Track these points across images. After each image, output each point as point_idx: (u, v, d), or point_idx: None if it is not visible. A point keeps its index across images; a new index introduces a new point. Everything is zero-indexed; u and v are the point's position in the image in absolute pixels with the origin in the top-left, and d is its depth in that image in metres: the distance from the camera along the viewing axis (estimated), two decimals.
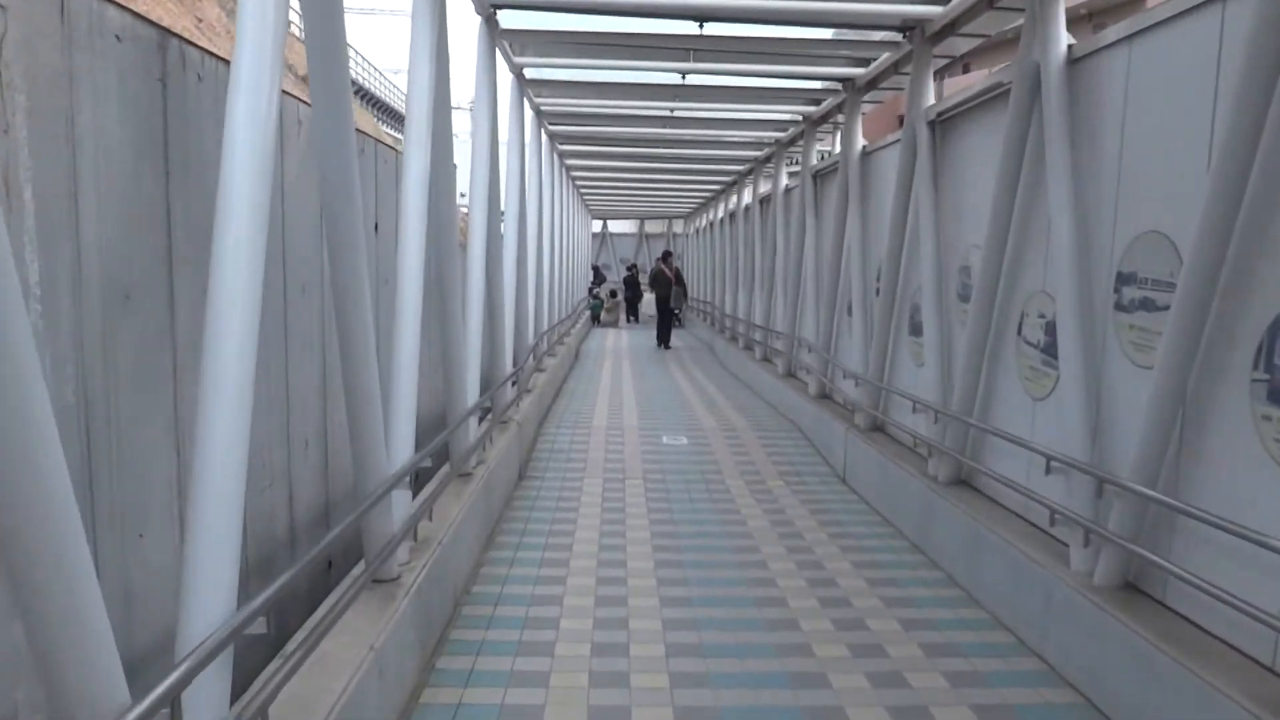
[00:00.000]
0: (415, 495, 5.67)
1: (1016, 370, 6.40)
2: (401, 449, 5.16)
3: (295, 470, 5.22)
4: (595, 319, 28.96)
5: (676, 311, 23.30)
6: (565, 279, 18.17)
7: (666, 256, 24.58)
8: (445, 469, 6.68)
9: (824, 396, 11.17)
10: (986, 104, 7.09)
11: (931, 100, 8.18)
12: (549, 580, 6.17)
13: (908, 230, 8.50)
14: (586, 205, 28.49)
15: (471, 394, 7.36)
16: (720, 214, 22.34)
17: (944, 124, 7.86)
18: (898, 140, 8.70)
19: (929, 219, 7.75)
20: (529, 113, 12.23)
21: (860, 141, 10.45)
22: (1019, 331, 6.36)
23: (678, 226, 34.38)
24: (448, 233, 6.52)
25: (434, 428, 7.52)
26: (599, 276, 33.03)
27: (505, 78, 10.05)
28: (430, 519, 5.57)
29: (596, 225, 35.94)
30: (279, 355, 4.91)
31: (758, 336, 16.08)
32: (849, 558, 6.78)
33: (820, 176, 12.22)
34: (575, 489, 8.65)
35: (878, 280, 9.22)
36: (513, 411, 9.26)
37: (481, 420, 8.06)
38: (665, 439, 10.85)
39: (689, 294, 27.26)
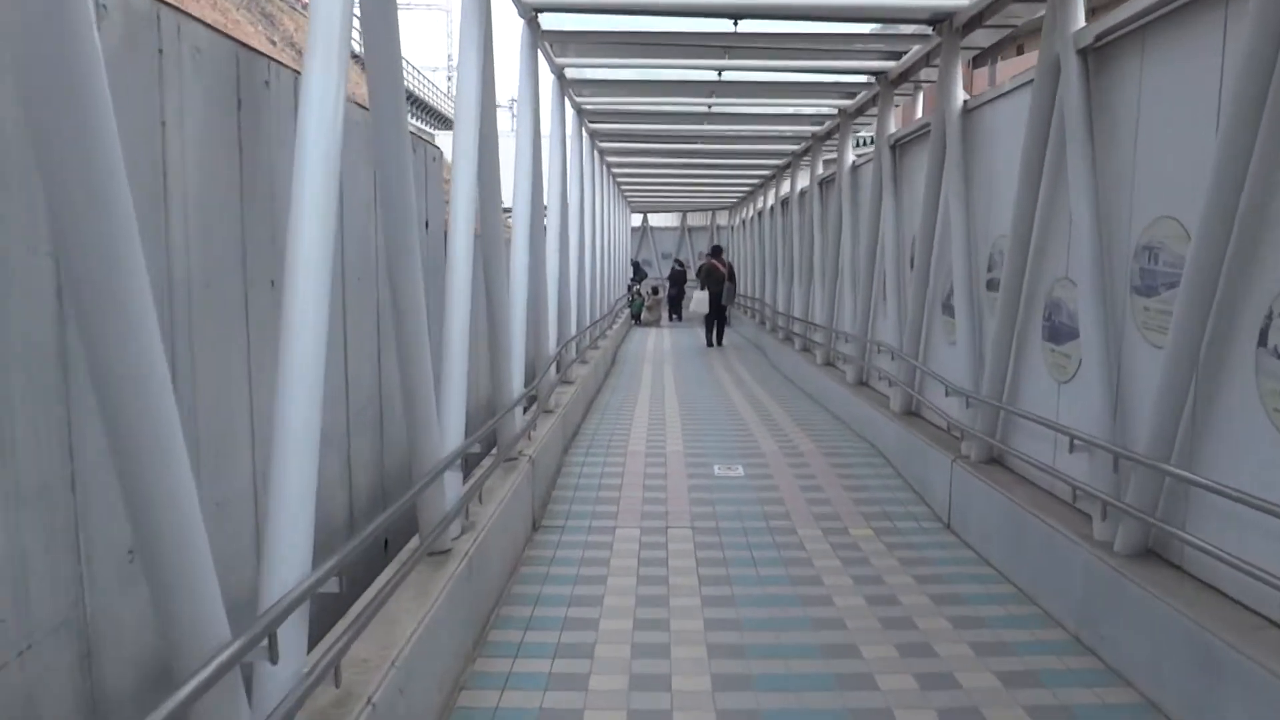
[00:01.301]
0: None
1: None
2: (453, 434, 5.51)
3: (354, 450, 5.63)
4: (636, 318, 28.36)
5: (727, 309, 22.72)
6: (601, 276, 17.94)
7: (717, 252, 23.48)
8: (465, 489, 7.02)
9: (911, 414, 9.56)
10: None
11: (961, 93, 8.37)
12: None
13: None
14: (626, 199, 28.59)
15: (518, 384, 7.69)
16: (768, 203, 21.95)
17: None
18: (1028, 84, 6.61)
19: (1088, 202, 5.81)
20: (570, 111, 12.56)
21: (850, 159, 11.39)
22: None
23: (721, 219, 34.34)
24: (493, 229, 6.85)
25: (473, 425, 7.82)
26: (639, 273, 32.54)
27: (547, 78, 10.48)
28: (480, 501, 5.92)
29: (637, 219, 36.05)
30: (339, 347, 5.31)
31: (818, 338, 14.69)
32: (990, 663, 4.95)
33: (900, 146, 10.55)
34: (602, 548, 6.91)
35: (988, 270, 7.76)
36: (524, 445, 7.65)
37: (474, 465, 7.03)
38: (717, 469, 9.22)
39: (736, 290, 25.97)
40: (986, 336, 7.59)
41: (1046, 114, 6.26)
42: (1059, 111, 6.14)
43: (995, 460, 7.29)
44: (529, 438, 7.87)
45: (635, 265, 32.50)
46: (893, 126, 10.63)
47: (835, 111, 13.32)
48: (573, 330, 12.19)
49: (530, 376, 9.03)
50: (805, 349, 16.09)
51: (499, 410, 7.12)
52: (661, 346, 22.35)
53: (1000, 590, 6.14)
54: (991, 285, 7.49)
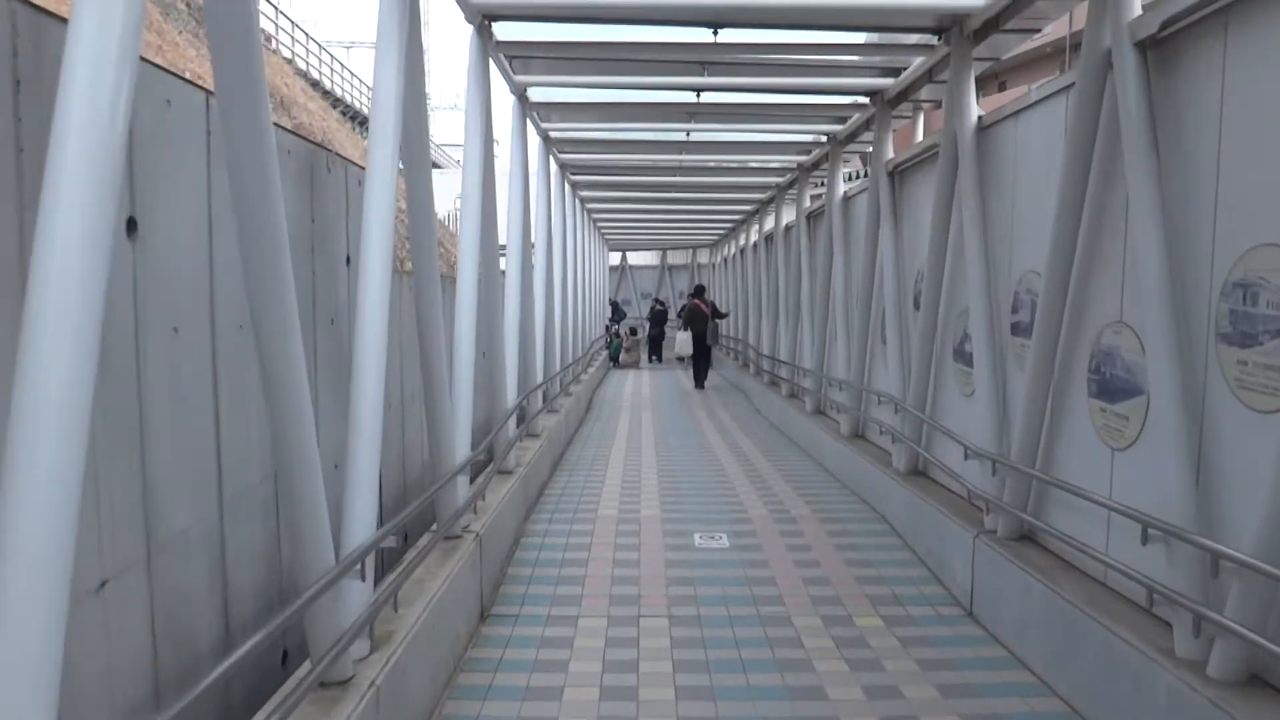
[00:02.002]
0: None
1: None
2: (360, 524, 4.36)
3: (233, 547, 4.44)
4: (614, 360, 27.03)
5: (711, 350, 21.72)
6: (574, 317, 16.83)
7: (700, 291, 22.31)
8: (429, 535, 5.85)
9: (918, 474, 8.47)
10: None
11: (890, 154, 7.51)
12: None
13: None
14: (604, 237, 27.65)
15: (461, 448, 6.53)
16: (751, 239, 21.00)
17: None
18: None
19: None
20: (535, 139, 11.78)
21: (841, 190, 10.75)
22: None
23: (702, 256, 33.31)
24: (426, 265, 5.72)
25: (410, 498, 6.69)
26: (618, 312, 31.54)
27: (506, 99, 9.94)
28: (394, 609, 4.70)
29: (616, 258, 35.05)
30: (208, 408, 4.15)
31: (807, 384, 13.48)
32: None
33: (900, 173, 9.38)
34: (561, 645, 5.75)
35: (1013, 311, 6.54)
36: (470, 519, 6.47)
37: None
38: (698, 539, 8.01)
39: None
40: (1013, 390, 6.48)
41: (1091, 123, 5.18)
42: (1108, 119, 5.08)
43: (1027, 537, 6.15)
44: (475, 510, 6.66)
45: (614, 305, 31.66)
46: (890, 151, 9.59)
47: (824, 139, 12.37)
48: (538, 378, 11.03)
49: (487, 432, 7.92)
50: (793, 395, 15.00)
51: (438, 479, 5.93)
52: (640, 390, 21.09)
53: (1046, 707, 4.97)
54: (1019, 330, 6.39)
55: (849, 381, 10.87)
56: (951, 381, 7.82)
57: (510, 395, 8.84)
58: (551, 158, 13.32)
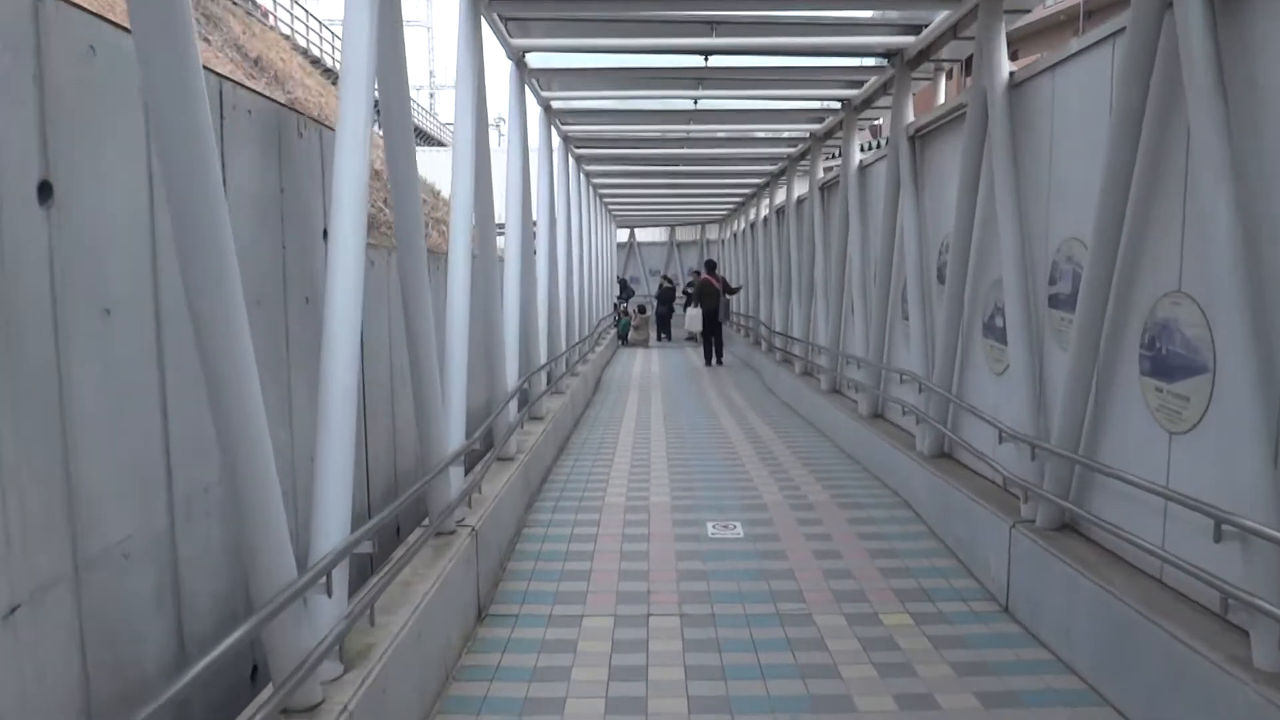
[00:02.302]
0: None
1: None
2: (333, 527, 3.92)
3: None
4: (623, 338, 26.53)
5: (723, 325, 21.04)
6: (581, 296, 16.28)
7: (711, 266, 21.43)
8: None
9: (944, 456, 7.92)
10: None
11: (910, 118, 8.84)
12: None
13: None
14: (612, 214, 27.14)
15: (454, 435, 6.06)
16: (762, 213, 20.36)
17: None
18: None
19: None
20: (536, 109, 11.87)
21: (856, 158, 11.19)
22: None
23: (711, 232, 32.61)
24: (409, 239, 5.23)
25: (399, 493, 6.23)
26: (626, 290, 30.97)
27: (504, 65, 9.84)
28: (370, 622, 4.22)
29: (623, 235, 34.46)
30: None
31: (823, 362, 12.94)
32: None
33: (921, 138, 8.81)
34: (564, 649, 5.31)
35: (1051, 283, 5.93)
36: (465, 513, 5.99)
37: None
38: (711, 528, 7.51)
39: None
40: (1051, 368, 5.98)
41: (1143, 72, 4.65)
42: (1164, 66, 4.55)
43: (1069, 527, 5.66)
44: (469, 504, 6.19)
45: (622, 283, 31.15)
46: (910, 115, 9.06)
47: (838, 105, 11.92)
48: (541, 358, 10.55)
49: (487, 416, 7.47)
50: (807, 373, 14.50)
51: (427, 471, 5.47)
52: (649, 369, 20.56)
53: (1098, 716, 4.50)
54: (1058, 302, 5.87)
55: (867, 359, 10.36)
56: (980, 358, 7.31)
57: (510, 378, 8.35)
58: (554, 129, 12.82)
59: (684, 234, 35.41)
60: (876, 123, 13.03)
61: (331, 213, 4.22)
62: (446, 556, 5.28)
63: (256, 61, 9.76)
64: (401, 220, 5.16)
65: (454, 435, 6.04)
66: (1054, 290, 5.92)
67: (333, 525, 3.91)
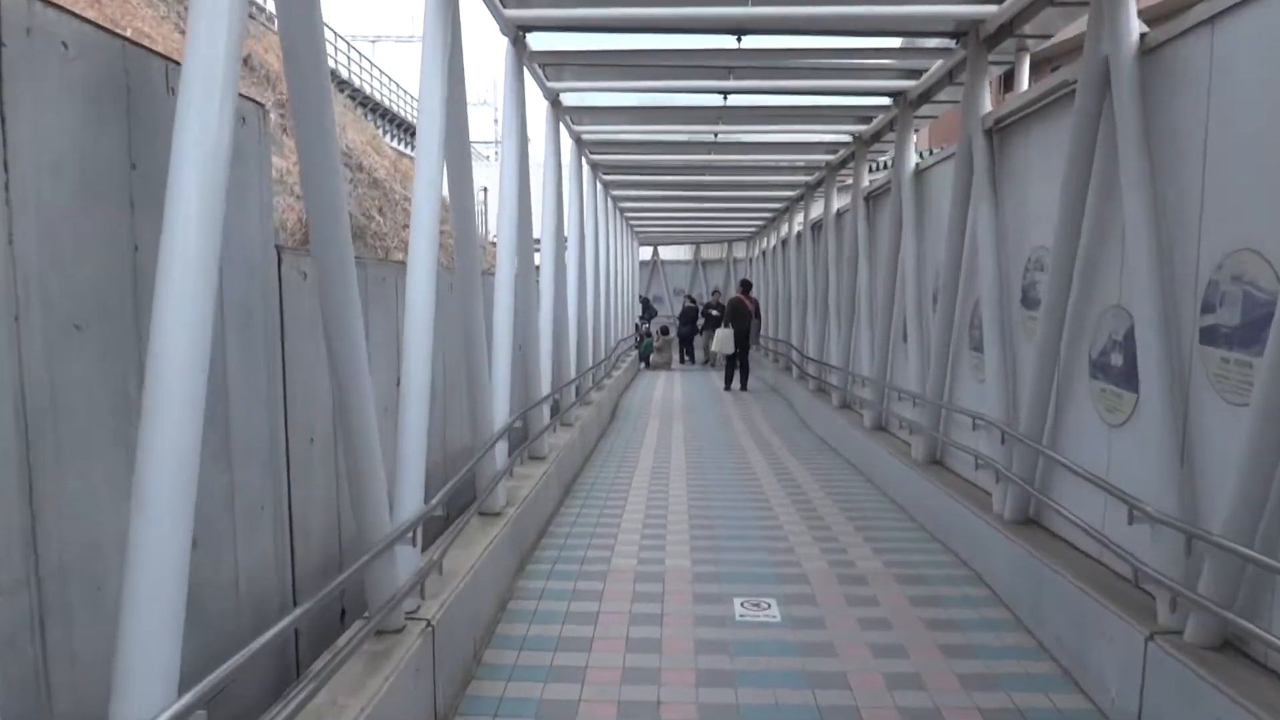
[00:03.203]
0: None
1: None
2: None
3: None
4: (644, 360, 25.19)
5: (750, 349, 19.70)
6: (594, 318, 14.72)
7: (747, 287, 20.40)
8: None
9: (1030, 523, 6.38)
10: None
11: (988, 107, 7.45)
12: None
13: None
14: (634, 231, 25.84)
15: (409, 502, 4.62)
16: (794, 229, 18.88)
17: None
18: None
19: None
20: (568, 141, 12.06)
21: (912, 160, 9.75)
22: None
23: (738, 250, 30.94)
24: (331, 250, 3.82)
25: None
26: (648, 310, 29.44)
27: (540, 104, 10.55)
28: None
29: (646, 253, 33.03)
30: None
31: (867, 395, 11.39)
32: None
33: (1001, 132, 7.28)
34: None
35: (1205, 309, 4.45)
36: (416, 602, 4.56)
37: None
38: (740, 607, 6.04)
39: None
40: (1206, 423, 4.46)
41: None
42: None
43: (1234, 646, 4.14)
44: (420, 593, 4.70)
45: (644, 302, 29.74)
46: (988, 104, 7.58)
47: (850, 138, 12.16)
48: (544, 388, 9.11)
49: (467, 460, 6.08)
50: (846, 405, 12.98)
51: (364, 549, 4.03)
52: (671, 395, 18.98)
53: None
54: (1217, 338, 4.36)
55: (924, 396, 8.84)
56: (1085, 404, 5.79)
57: (498, 415, 6.90)
58: (584, 159, 13.16)
59: (709, 252, 33.91)
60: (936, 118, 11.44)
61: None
62: (383, 672, 3.82)
63: (245, 60, 8.61)
64: (462, 247, 5.61)
65: (408, 498, 4.60)
66: (1210, 321, 4.41)
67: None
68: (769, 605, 6.11)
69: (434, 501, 4.79)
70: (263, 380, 4.09)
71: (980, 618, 5.95)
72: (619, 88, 10.74)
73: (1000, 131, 7.32)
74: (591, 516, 8.45)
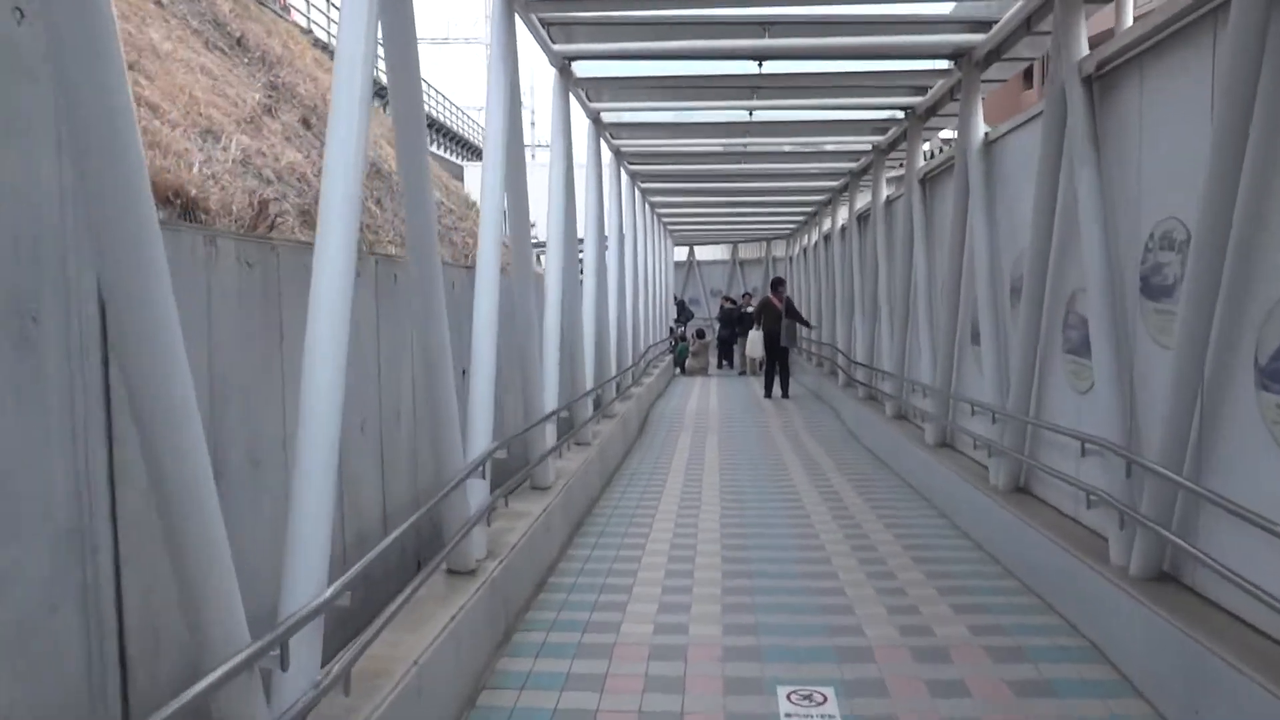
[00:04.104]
0: None
1: None
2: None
3: None
4: (679, 365, 23.60)
5: (789, 352, 18.08)
6: (620, 322, 13.50)
7: (778, 285, 18.73)
8: None
9: (1163, 578, 4.91)
10: None
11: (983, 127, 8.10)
12: None
13: None
14: (669, 231, 24.50)
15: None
16: (837, 223, 17.32)
17: None
18: None
19: None
20: (607, 153, 12.68)
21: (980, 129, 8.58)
22: None
23: (778, 249, 29.05)
24: None
25: None
26: (684, 312, 27.81)
27: (582, 122, 11.10)
28: None
29: (682, 253, 31.50)
30: None
31: (929, 407, 9.75)
32: None
33: (1100, 79, 5.83)
34: None
35: None
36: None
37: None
38: (787, 699, 4.54)
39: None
40: None
41: None
42: None
43: None
44: (338, 690, 3.30)
45: (680, 304, 28.18)
46: (1084, 47, 6.05)
47: (870, 148, 12.58)
48: (549, 403, 7.68)
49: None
50: (902, 416, 11.45)
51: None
52: (707, 404, 17.35)
53: None
54: None
55: (1004, 411, 7.31)
56: (1255, 430, 4.25)
57: (477, 441, 5.48)
58: (603, 142, 12.56)
59: (747, 251, 32.34)
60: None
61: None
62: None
63: (239, 41, 7.99)
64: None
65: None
66: None
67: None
68: (824, 698, 4.60)
69: (343, 580, 3.38)
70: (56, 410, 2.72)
71: (1107, 710, 4.42)
72: (653, 107, 11.93)
73: (1104, 78, 5.78)
74: (604, 562, 6.91)
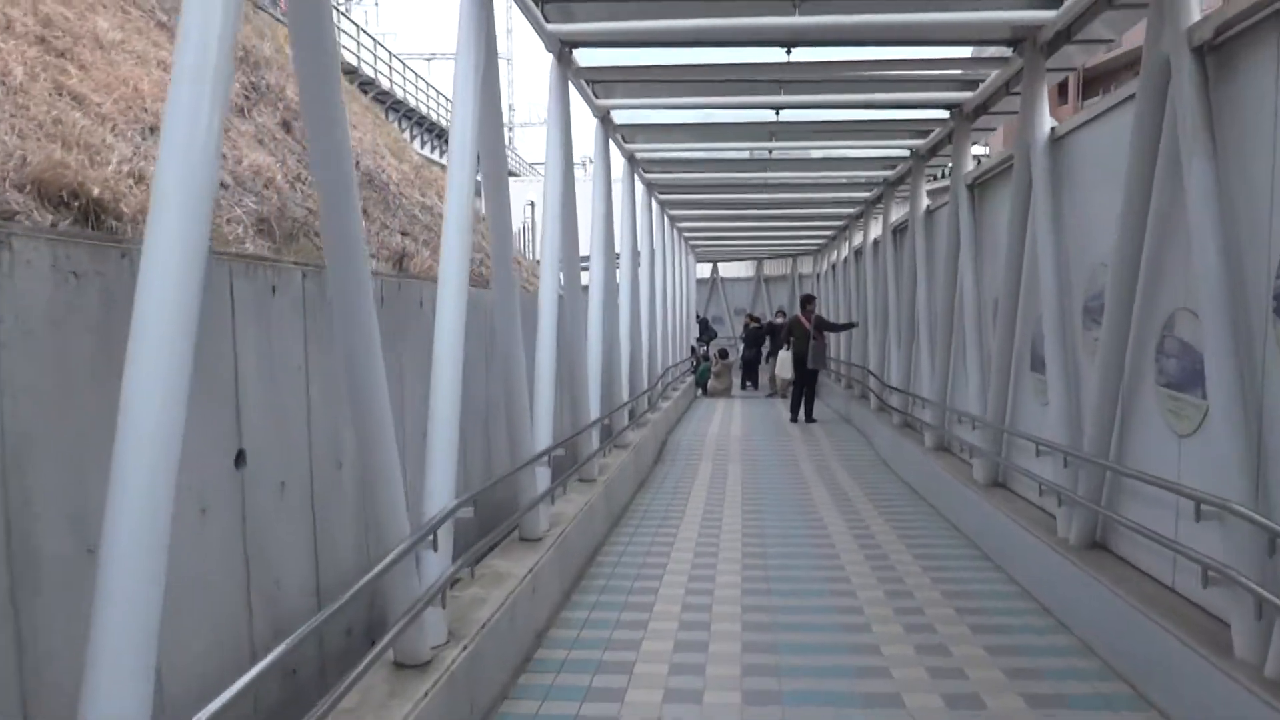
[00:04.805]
0: None
1: None
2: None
3: None
4: (700, 386, 22.26)
5: (817, 374, 16.92)
6: (632, 345, 12.17)
7: (807, 303, 17.45)
8: None
9: None
10: None
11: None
12: None
13: None
14: (691, 249, 23.50)
15: None
16: (869, 236, 16.18)
17: None
18: None
19: None
20: (620, 160, 12.00)
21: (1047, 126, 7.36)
22: None
23: (804, 265, 27.84)
24: None
25: None
26: (706, 331, 26.50)
27: (590, 122, 10.32)
28: None
29: (704, 270, 30.41)
30: None
31: (978, 440, 8.57)
32: None
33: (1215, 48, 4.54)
34: None
35: None
36: None
37: None
38: None
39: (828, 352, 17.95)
40: None
41: None
42: None
43: None
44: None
45: (702, 322, 27.06)
46: (1195, 12, 4.92)
47: (907, 153, 11.72)
48: (542, 440, 6.59)
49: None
50: (943, 447, 10.28)
51: None
52: (729, 430, 16.06)
53: None
54: None
55: (1076, 452, 6.15)
56: None
57: (434, 499, 4.39)
58: (637, 177, 12.82)
59: (772, 268, 31.19)
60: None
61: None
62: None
63: (243, 59, 7.60)
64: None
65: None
66: None
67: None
68: None
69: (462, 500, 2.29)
70: None
71: None
72: (669, 104, 10.58)
73: (1217, 50, 4.64)
74: (600, 632, 5.79)
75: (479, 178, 5.27)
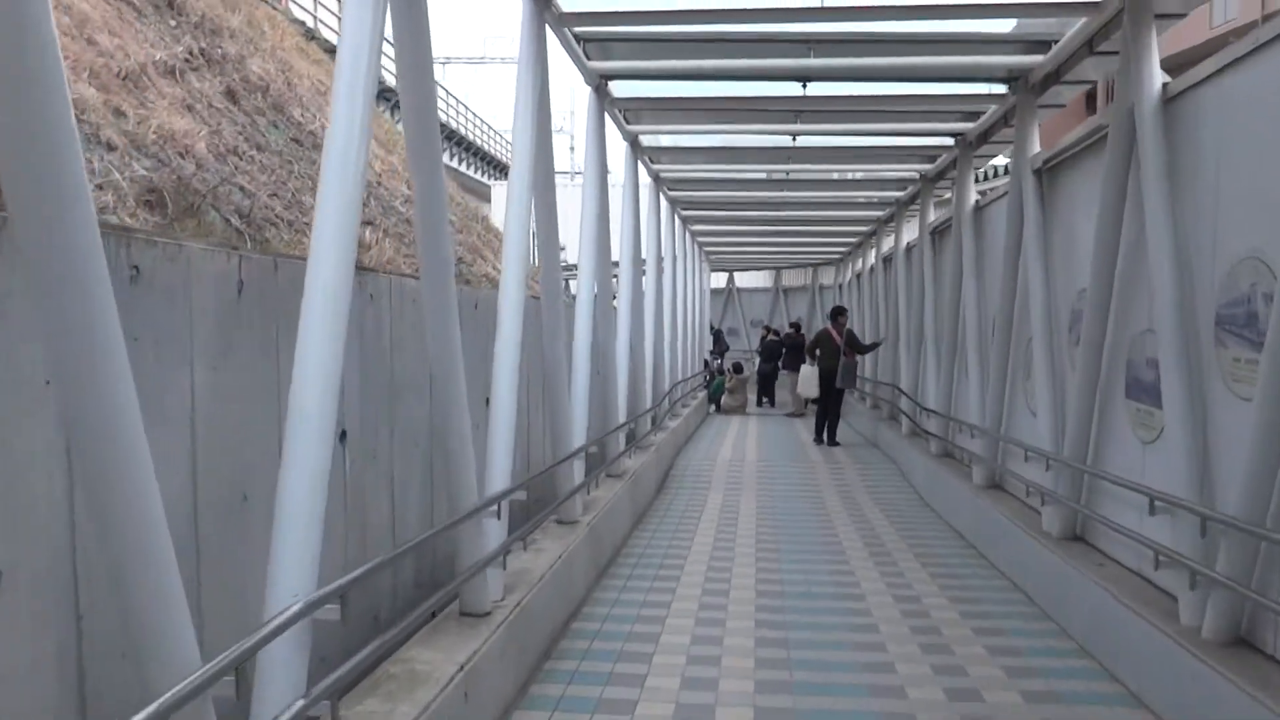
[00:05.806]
0: None
1: None
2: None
3: None
4: (714, 402, 21.13)
5: (844, 393, 15.82)
6: (637, 357, 11.36)
7: (838, 315, 16.22)
8: None
9: None
10: None
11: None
12: None
13: None
14: (707, 257, 23.37)
15: None
16: (901, 244, 14.87)
17: None
18: None
19: None
20: (645, 178, 12.49)
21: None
22: None
23: (825, 276, 26.48)
24: None
25: None
26: (720, 343, 25.60)
27: (620, 145, 11.05)
28: None
29: (720, 280, 29.70)
30: None
31: (1050, 482, 7.01)
32: None
33: None
34: None
35: None
36: None
37: None
38: None
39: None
40: None
41: None
42: None
43: None
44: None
45: (716, 334, 26.09)
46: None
47: (917, 176, 12.36)
48: (491, 483, 5.24)
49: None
50: (996, 485, 9.00)
51: None
52: (743, 453, 14.66)
53: None
54: None
55: (1214, 513, 4.71)
56: None
57: (495, 481, 5.16)
58: (661, 194, 13.70)
59: (791, 278, 30.26)
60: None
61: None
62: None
63: (198, 24, 6.96)
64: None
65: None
66: None
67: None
68: None
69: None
70: None
71: None
72: (694, 130, 11.67)
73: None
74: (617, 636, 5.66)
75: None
